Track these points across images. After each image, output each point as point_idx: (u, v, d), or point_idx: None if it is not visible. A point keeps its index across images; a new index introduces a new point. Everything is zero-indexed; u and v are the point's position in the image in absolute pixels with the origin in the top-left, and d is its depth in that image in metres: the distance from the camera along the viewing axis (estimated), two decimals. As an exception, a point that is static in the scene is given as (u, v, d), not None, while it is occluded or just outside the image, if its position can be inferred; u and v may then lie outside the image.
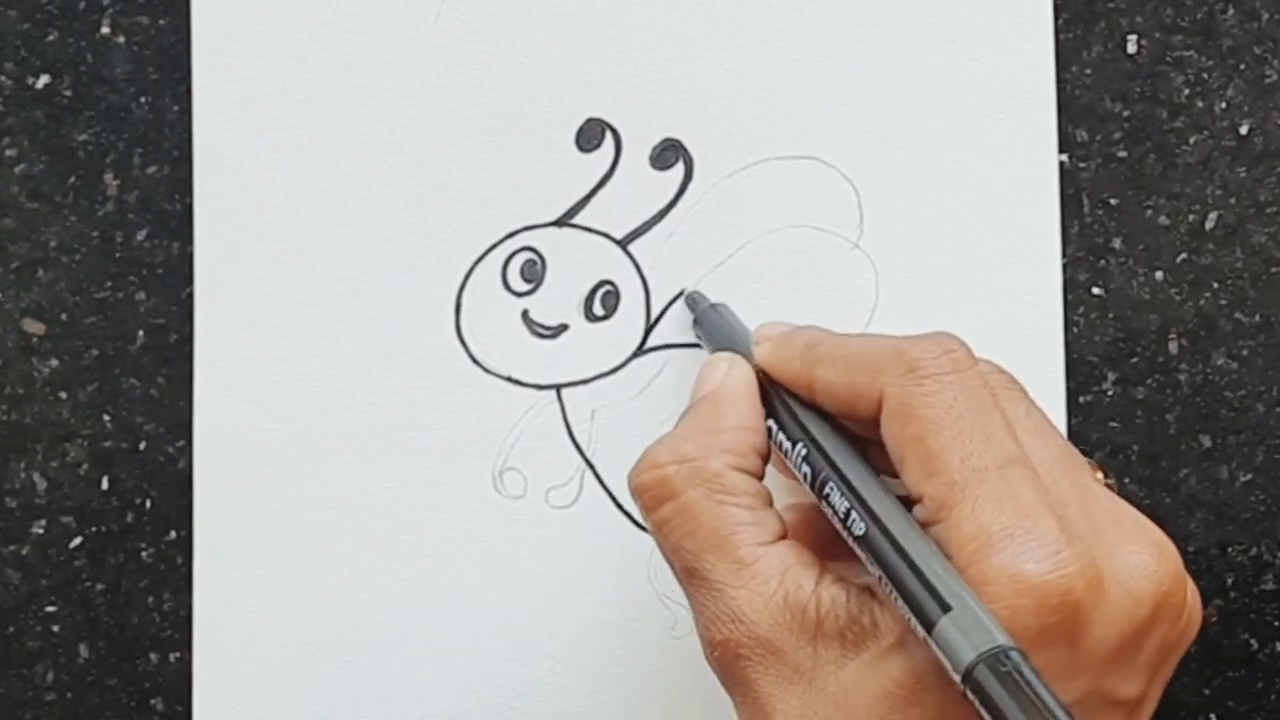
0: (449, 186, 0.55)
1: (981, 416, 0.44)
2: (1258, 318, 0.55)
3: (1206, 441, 0.55)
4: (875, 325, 0.54)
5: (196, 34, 0.55)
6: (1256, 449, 0.55)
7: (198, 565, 0.55)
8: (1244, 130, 0.56)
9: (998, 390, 0.45)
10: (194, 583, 0.55)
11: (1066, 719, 0.40)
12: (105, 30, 0.56)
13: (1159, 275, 0.55)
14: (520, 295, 0.55)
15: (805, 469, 0.47)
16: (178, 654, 0.55)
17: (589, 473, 0.55)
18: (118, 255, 0.55)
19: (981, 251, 0.55)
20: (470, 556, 0.55)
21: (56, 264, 0.55)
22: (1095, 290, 0.55)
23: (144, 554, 0.55)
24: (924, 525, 0.44)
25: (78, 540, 0.55)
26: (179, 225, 0.55)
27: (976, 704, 0.40)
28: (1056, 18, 0.55)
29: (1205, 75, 0.56)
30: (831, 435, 0.47)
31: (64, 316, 0.55)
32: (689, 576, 0.46)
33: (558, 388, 0.55)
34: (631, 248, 0.55)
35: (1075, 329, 0.55)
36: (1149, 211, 0.55)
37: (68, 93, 0.56)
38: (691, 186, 0.55)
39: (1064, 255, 0.55)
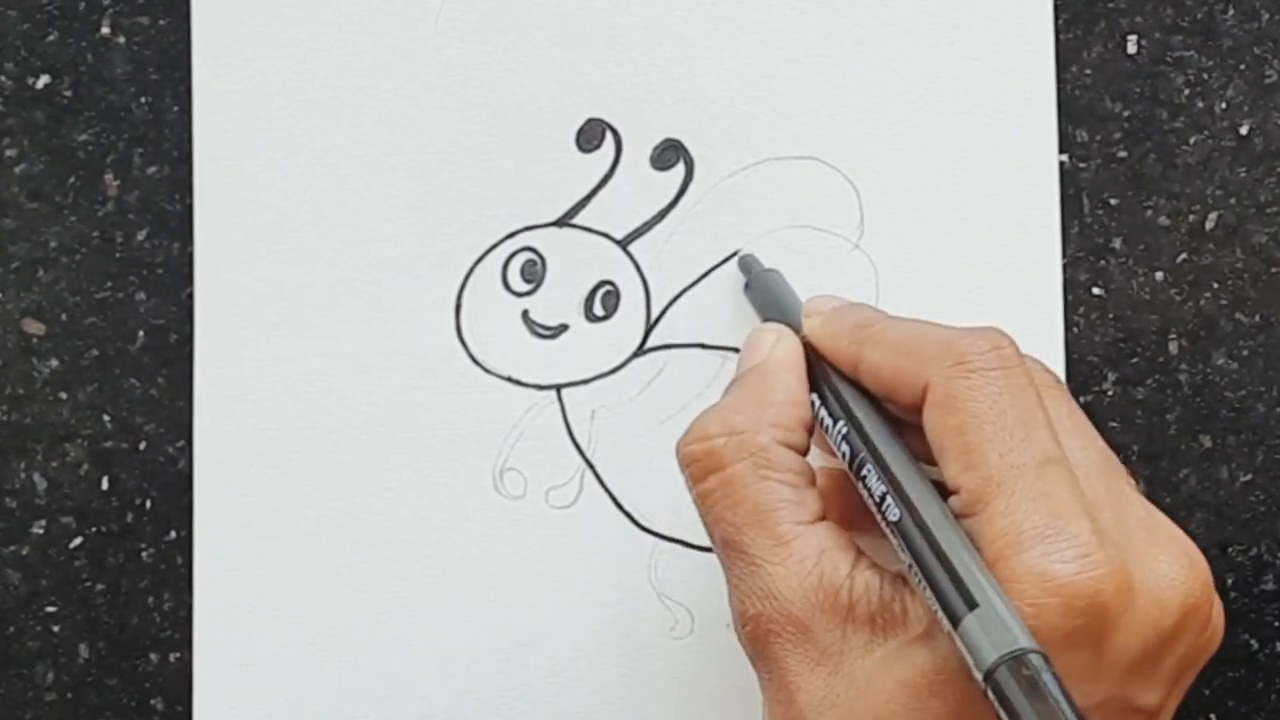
0: (449, 186, 0.55)
1: (1024, 414, 0.44)
2: (1258, 318, 0.55)
3: (1206, 442, 0.55)
4: (875, 325, 0.54)
5: (196, 34, 0.55)
6: (1256, 449, 0.55)
7: (198, 565, 0.55)
8: (1244, 130, 0.56)
9: (1042, 390, 0.45)
10: (194, 583, 0.55)
11: None
12: (105, 30, 0.56)
13: (1159, 275, 0.55)
14: (520, 295, 0.55)
15: (845, 447, 0.47)
16: (178, 654, 0.55)
17: (589, 473, 0.55)
18: (118, 255, 0.55)
19: (981, 251, 0.55)
20: (470, 556, 0.55)
21: (56, 264, 0.55)
22: (1095, 290, 0.55)
23: (144, 554, 0.55)
24: (958, 517, 0.44)
25: (78, 540, 0.55)
26: (179, 225, 0.55)
27: (996, 704, 0.40)
28: (1056, 18, 0.55)
29: (1205, 75, 0.56)
30: (873, 416, 0.47)
31: (64, 317, 0.55)
32: (727, 549, 0.46)
33: (558, 388, 0.55)
34: (632, 248, 0.55)
35: (1075, 329, 0.55)
36: (1149, 211, 0.55)
37: (68, 93, 0.56)
38: (692, 187, 0.55)
39: (1064, 255, 0.55)
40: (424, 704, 0.54)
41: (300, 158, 0.55)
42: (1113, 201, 0.55)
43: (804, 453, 0.48)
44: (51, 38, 0.56)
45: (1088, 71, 0.55)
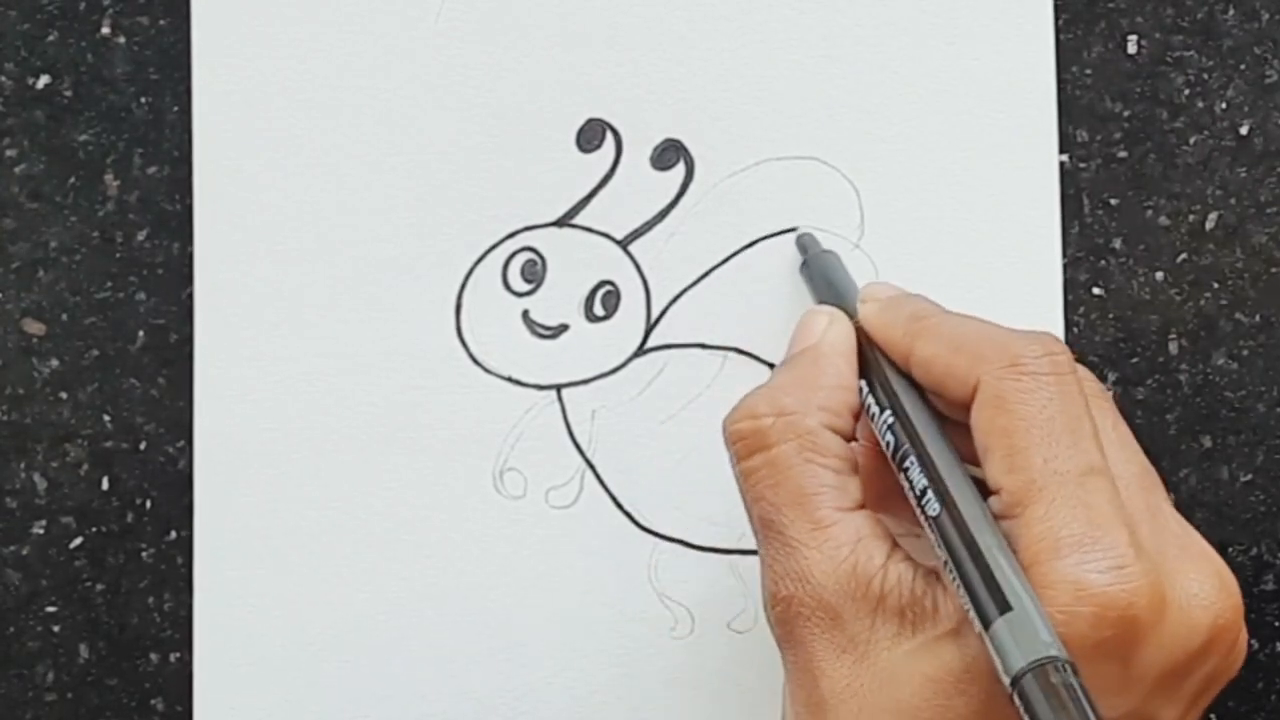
0: (449, 186, 0.55)
1: (1071, 422, 0.44)
2: (1258, 318, 0.55)
3: (1207, 441, 0.55)
4: (875, 325, 0.54)
5: (196, 34, 0.55)
6: (1256, 449, 0.55)
7: (198, 565, 0.55)
8: (1244, 130, 0.56)
9: (1091, 400, 0.45)
10: (194, 583, 0.55)
11: None
12: (105, 30, 0.56)
13: (1159, 275, 0.55)
14: (521, 295, 0.55)
15: (889, 437, 0.47)
16: (178, 654, 0.55)
17: (589, 473, 0.55)
18: (118, 255, 0.55)
19: (981, 251, 0.55)
20: (470, 556, 0.55)
21: (57, 264, 0.55)
22: (1095, 290, 0.55)
23: (144, 554, 0.55)
24: (997, 518, 0.44)
25: (78, 540, 0.55)
26: (179, 225, 0.55)
27: (1020, 710, 0.40)
28: (1056, 18, 0.55)
29: (1205, 75, 0.56)
30: (920, 409, 0.47)
31: (64, 317, 0.55)
32: (765, 528, 0.46)
33: (558, 388, 0.55)
34: (632, 248, 0.55)
35: (1075, 329, 0.55)
36: (1149, 211, 0.55)
37: (68, 93, 0.55)
38: (692, 187, 0.55)
39: (1064, 255, 0.55)
40: (424, 704, 0.54)
41: (300, 158, 0.55)
42: (1113, 201, 0.55)
43: (849, 439, 0.48)
44: (51, 38, 0.56)
45: (1088, 71, 0.55)
